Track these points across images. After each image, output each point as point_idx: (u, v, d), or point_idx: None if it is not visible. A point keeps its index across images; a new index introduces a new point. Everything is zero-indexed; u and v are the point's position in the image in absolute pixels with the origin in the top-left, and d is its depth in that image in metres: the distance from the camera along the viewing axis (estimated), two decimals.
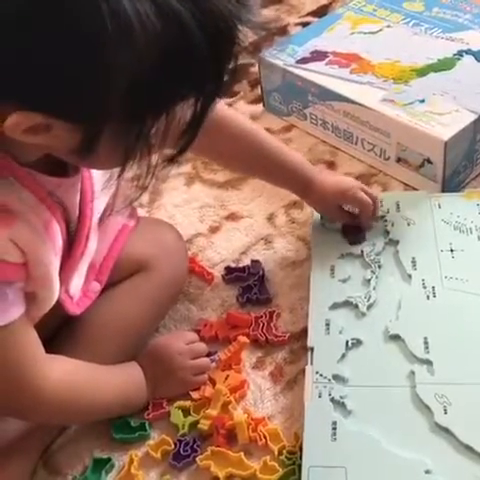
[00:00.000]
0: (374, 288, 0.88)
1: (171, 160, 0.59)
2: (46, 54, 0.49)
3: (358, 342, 0.83)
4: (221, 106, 0.81)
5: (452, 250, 0.91)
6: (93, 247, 0.75)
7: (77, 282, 0.75)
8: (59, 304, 0.72)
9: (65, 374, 0.73)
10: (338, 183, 0.94)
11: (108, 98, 0.51)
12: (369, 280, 0.89)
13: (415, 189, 1.05)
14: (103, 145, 0.55)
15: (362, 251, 0.93)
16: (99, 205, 0.73)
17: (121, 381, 0.80)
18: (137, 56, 0.49)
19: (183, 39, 0.50)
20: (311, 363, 0.81)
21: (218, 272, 0.98)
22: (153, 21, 0.48)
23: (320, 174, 0.94)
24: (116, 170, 0.58)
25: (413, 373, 0.78)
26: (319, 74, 1.12)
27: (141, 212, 0.97)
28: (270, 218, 1.05)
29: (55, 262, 0.66)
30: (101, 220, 0.75)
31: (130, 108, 0.52)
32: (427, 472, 0.71)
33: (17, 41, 0.49)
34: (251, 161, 0.91)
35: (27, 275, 0.64)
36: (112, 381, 0.79)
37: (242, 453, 0.76)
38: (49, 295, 0.68)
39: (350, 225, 0.94)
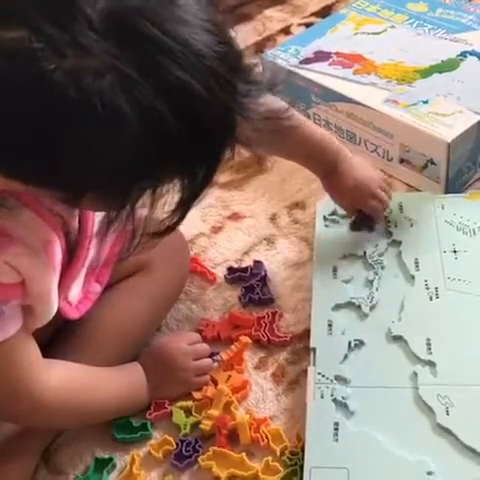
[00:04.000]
0: (377, 289, 0.88)
1: (159, 234, 0.58)
2: (30, 134, 0.48)
3: (360, 343, 0.83)
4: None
5: (455, 251, 0.91)
6: (92, 254, 0.75)
7: (76, 289, 0.75)
8: (58, 311, 0.71)
9: (64, 380, 0.73)
10: (358, 182, 0.90)
11: (83, 175, 0.50)
12: (372, 281, 0.89)
13: (418, 190, 1.05)
14: (88, 204, 0.54)
15: (365, 252, 0.92)
16: (100, 215, 0.72)
17: (121, 383, 0.80)
18: (109, 138, 0.48)
19: (165, 131, 0.48)
20: (313, 364, 0.81)
21: (220, 272, 0.98)
22: (132, 116, 0.47)
23: (345, 162, 0.90)
24: None
25: (415, 374, 0.78)
26: (322, 75, 1.12)
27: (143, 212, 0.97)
28: (273, 218, 1.05)
29: (54, 278, 0.66)
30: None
31: (109, 183, 0.51)
32: (429, 473, 0.70)
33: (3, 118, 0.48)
34: (294, 152, 0.89)
35: (24, 293, 0.63)
36: (112, 384, 0.79)
37: (244, 453, 0.76)
38: (47, 310, 0.67)
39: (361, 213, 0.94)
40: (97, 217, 0.72)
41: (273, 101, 0.60)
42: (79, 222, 0.70)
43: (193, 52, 0.48)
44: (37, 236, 0.62)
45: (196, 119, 0.49)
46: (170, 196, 0.54)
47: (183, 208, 0.55)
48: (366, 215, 0.93)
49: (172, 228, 0.57)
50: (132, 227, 0.56)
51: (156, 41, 0.47)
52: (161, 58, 0.47)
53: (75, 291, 0.74)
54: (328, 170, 0.90)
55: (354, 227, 0.95)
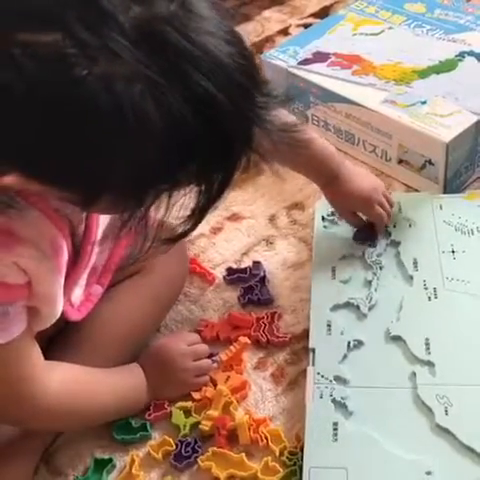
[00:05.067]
0: (375, 289, 0.88)
1: (171, 240, 0.59)
2: (58, 136, 0.48)
3: (359, 343, 0.83)
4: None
5: (453, 251, 0.91)
6: (95, 257, 0.75)
7: (78, 290, 0.75)
8: (61, 313, 0.72)
9: (64, 382, 0.73)
10: (359, 191, 0.91)
11: (104, 177, 0.51)
12: (370, 281, 0.89)
13: (417, 190, 1.05)
14: (100, 207, 0.55)
15: (363, 252, 0.93)
16: (105, 219, 0.73)
17: (121, 385, 0.80)
18: (135, 143, 0.49)
19: (188, 137, 0.49)
20: (312, 364, 0.81)
21: (219, 273, 0.98)
22: (159, 122, 0.48)
23: (346, 171, 0.91)
24: None
25: (414, 374, 0.78)
26: (321, 75, 1.12)
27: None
28: (272, 219, 1.05)
29: (59, 280, 0.66)
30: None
31: (127, 186, 0.52)
32: (428, 473, 0.71)
33: (28, 119, 0.48)
34: (299, 163, 0.90)
35: (30, 294, 0.64)
36: (112, 385, 0.79)
37: (243, 454, 0.77)
38: (52, 312, 0.68)
39: (365, 225, 0.94)
40: (103, 220, 0.72)
41: (285, 115, 0.61)
42: (85, 225, 0.70)
43: (218, 63, 0.49)
44: (44, 237, 0.63)
45: (218, 127, 0.50)
46: (182, 202, 0.55)
47: (198, 214, 0.55)
48: (369, 227, 0.94)
49: (185, 234, 0.57)
50: (144, 231, 0.56)
51: (184, 51, 0.48)
52: (188, 67, 0.48)
53: (77, 293, 0.74)
54: (330, 179, 0.90)
55: (357, 238, 0.94)
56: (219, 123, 0.50)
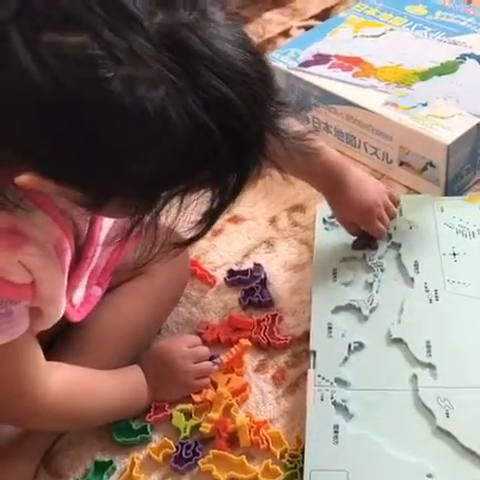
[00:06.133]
0: (376, 291, 0.88)
1: (182, 244, 0.59)
2: (79, 136, 0.49)
3: (360, 345, 0.83)
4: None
5: (455, 254, 0.91)
6: (97, 258, 0.75)
7: (80, 292, 0.75)
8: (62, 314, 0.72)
9: (65, 383, 0.73)
10: (360, 203, 0.90)
11: (120, 179, 0.52)
12: (371, 283, 0.89)
13: (418, 193, 1.05)
14: (110, 209, 0.55)
15: (364, 255, 0.92)
16: (108, 222, 0.73)
17: (122, 386, 0.80)
18: (155, 146, 0.50)
19: (206, 141, 0.50)
20: (313, 366, 0.81)
21: (220, 275, 0.98)
22: (180, 126, 0.49)
23: (351, 179, 0.90)
24: None
25: (415, 377, 0.78)
26: (322, 77, 1.12)
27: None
28: (273, 221, 1.05)
29: (63, 281, 0.66)
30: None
31: (141, 188, 0.53)
32: (429, 476, 0.71)
33: (51, 119, 0.49)
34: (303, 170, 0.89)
35: (34, 294, 0.64)
36: (112, 387, 0.79)
37: (244, 456, 0.76)
38: (54, 313, 0.68)
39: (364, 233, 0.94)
40: (106, 224, 0.72)
41: (295, 123, 0.62)
42: (88, 228, 0.70)
43: (235, 69, 0.50)
44: (50, 238, 0.63)
45: (235, 132, 0.51)
46: (192, 207, 0.55)
47: (210, 219, 0.56)
48: (368, 236, 0.94)
49: (196, 238, 0.57)
50: (154, 235, 0.57)
51: (204, 57, 0.49)
52: (207, 72, 0.49)
53: (79, 294, 0.74)
54: (332, 188, 0.90)
55: (356, 247, 0.94)
56: (235, 128, 0.51)
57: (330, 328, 0.85)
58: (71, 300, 0.73)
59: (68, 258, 0.66)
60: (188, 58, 0.49)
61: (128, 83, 0.47)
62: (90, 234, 0.70)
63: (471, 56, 1.13)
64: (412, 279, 0.89)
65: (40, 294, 0.64)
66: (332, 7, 1.47)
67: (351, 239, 0.95)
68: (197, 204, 0.55)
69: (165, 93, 0.48)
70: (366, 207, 0.91)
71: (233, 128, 0.51)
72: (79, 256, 0.70)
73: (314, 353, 0.82)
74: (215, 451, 0.77)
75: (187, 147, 0.50)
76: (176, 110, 0.48)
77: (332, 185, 0.90)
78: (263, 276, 0.95)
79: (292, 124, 0.60)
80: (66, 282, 0.67)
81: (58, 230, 0.64)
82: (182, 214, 0.55)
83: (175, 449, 0.78)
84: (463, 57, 1.13)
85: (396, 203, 0.95)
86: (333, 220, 0.98)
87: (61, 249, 0.65)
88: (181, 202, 0.54)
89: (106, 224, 0.72)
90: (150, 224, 0.55)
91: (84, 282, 0.75)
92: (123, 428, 0.81)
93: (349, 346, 0.82)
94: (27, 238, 0.61)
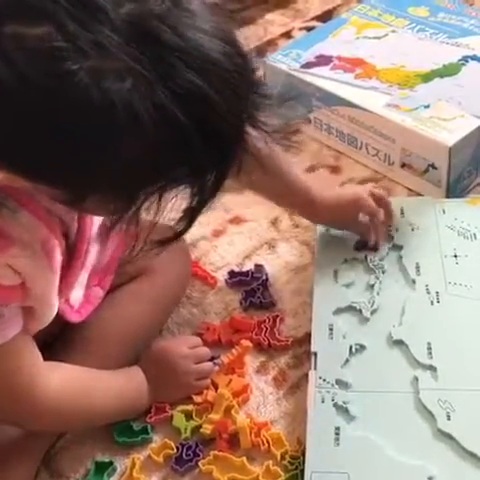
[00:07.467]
0: (378, 293, 0.88)
1: (164, 242, 0.58)
2: (46, 131, 0.48)
3: (361, 347, 0.83)
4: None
5: (456, 256, 0.91)
6: (93, 256, 0.75)
7: (78, 291, 0.75)
8: (59, 314, 0.71)
9: (64, 383, 0.73)
10: (338, 198, 0.91)
11: (92, 175, 0.50)
12: (373, 285, 0.89)
13: (419, 194, 1.05)
14: (91, 207, 0.54)
15: (366, 256, 0.92)
16: (99, 220, 0.72)
17: (122, 386, 0.80)
18: (124, 140, 0.48)
19: (179, 135, 0.49)
20: (314, 368, 0.81)
21: (221, 276, 0.97)
22: (150, 120, 0.47)
23: (321, 193, 0.90)
24: None
25: (416, 379, 0.78)
26: (324, 79, 1.12)
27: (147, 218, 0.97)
28: (274, 222, 1.05)
29: (53, 279, 0.66)
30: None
31: (117, 185, 0.51)
32: (430, 478, 0.70)
33: (16, 112, 0.48)
34: (277, 195, 0.90)
35: (24, 295, 0.63)
36: (113, 387, 0.79)
37: (245, 458, 0.76)
38: (47, 311, 0.68)
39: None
40: (96, 220, 0.72)
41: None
42: (78, 225, 0.70)
43: (211, 61, 0.49)
44: (36, 238, 0.62)
45: (210, 126, 0.49)
46: (174, 204, 0.54)
47: (190, 216, 0.55)
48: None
49: (177, 236, 0.57)
50: (135, 232, 0.55)
51: (176, 48, 0.47)
52: (179, 64, 0.48)
53: (77, 294, 0.74)
54: (305, 201, 0.89)
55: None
56: (211, 121, 0.49)
57: (331, 330, 0.85)
58: (68, 300, 0.73)
59: (58, 256, 0.65)
60: (158, 49, 0.47)
61: (94, 75, 0.46)
62: (80, 231, 0.70)
63: (473, 58, 1.13)
64: (413, 281, 0.89)
65: (31, 294, 0.64)
66: (334, 8, 1.47)
67: (352, 240, 0.95)
68: (177, 201, 0.54)
69: (132, 85, 0.46)
70: (344, 198, 0.90)
71: (208, 122, 0.49)
72: (72, 254, 0.69)
73: (315, 354, 0.82)
74: (216, 452, 0.77)
75: (159, 142, 0.49)
76: (143, 103, 0.47)
77: (304, 198, 0.89)
78: (264, 277, 0.95)
79: (276, 119, 0.57)
80: (58, 280, 0.67)
81: (44, 229, 0.63)
82: (163, 211, 0.53)
83: (176, 450, 0.78)
84: (465, 59, 1.13)
85: (381, 198, 0.94)
86: None
87: (48, 248, 0.64)
88: (159, 199, 0.53)
89: (97, 222, 0.71)
90: (131, 222, 0.53)
91: (83, 282, 0.74)
92: (124, 428, 0.81)
93: (350, 348, 0.82)
94: (12, 240, 0.60)
